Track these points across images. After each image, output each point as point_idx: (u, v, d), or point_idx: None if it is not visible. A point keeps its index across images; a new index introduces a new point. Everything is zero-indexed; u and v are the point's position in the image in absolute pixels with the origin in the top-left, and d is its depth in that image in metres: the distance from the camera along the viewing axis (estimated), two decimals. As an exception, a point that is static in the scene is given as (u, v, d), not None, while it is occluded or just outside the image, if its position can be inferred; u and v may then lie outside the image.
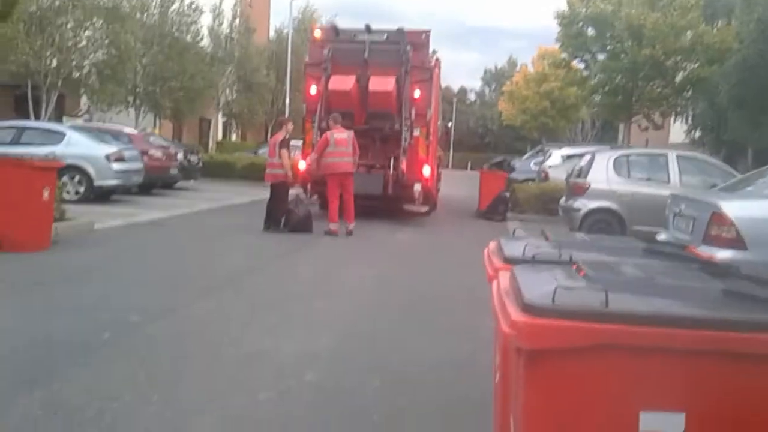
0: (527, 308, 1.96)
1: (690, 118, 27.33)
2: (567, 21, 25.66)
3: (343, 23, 14.75)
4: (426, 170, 13.17)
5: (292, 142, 12.07)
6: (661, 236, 7.38)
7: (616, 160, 11.28)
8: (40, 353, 4.35)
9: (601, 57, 25.80)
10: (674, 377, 1.92)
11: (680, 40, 23.16)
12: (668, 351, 1.90)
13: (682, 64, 24.39)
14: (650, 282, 2.15)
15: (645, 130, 28.07)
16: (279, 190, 10.98)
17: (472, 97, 74.14)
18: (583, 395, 1.95)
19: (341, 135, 10.96)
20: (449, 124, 30.35)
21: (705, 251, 5.47)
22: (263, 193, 11.46)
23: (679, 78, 24.79)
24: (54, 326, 4.97)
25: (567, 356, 1.92)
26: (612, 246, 3.09)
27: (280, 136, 11.12)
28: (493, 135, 65.54)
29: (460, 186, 24.92)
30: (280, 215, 10.82)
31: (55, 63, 22.26)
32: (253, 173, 21.52)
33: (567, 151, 19.38)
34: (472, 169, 46.59)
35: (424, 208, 13.50)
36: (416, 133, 12.99)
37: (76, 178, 13.39)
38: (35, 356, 4.28)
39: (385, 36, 13.33)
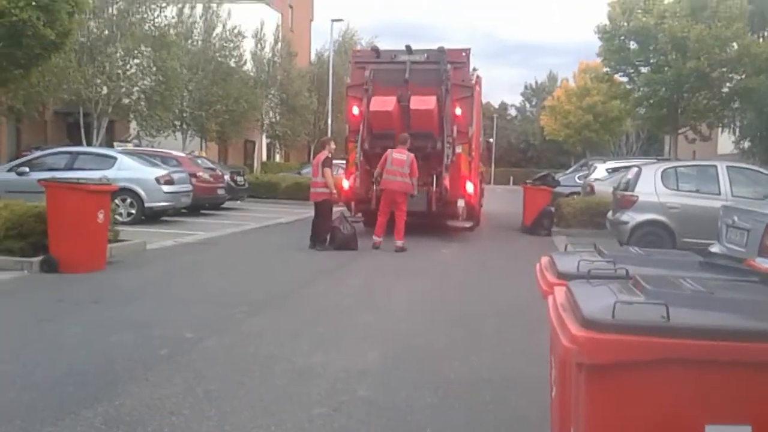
0: (587, 323, 1.98)
1: (738, 129, 26.71)
2: (608, 35, 25.44)
3: (383, 44, 14.92)
4: (469, 186, 13.17)
5: (335, 162, 12.20)
6: (714, 248, 7.24)
7: (664, 172, 11.11)
8: (101, 369, 4.48)
9: (644, 70, 25.49)
10: (739, 390, 1.91)
11: (726, 51, 22.74)
12: (732, 364, 1.89)
13: (729, 75, 23.92)
14: (711, 296, 2.14)
15: (692, 142, 27.55)
16: (323, 209, 11.11)
17: (512, 112, 73.82)
18: (646, 409, 1.94)
19: (400, 156, 11.32)
20: (490, 139, 30.23)
21: (762, 263, 5.34)
22: (308, 212, 11.61)
23: (725, 89, 24.31)
24: (112, 343, 5.12)
25: (629, 370, 1.93)
26: (668, 260, 3.06)
27: (323, 155, 11.26)
28: (535, 150, 65.09)
29: (503, 201, 24.78)
30: (326, 233, 10.93)
31: (105, 90, 23.03)
32: (298, 193, 21.84)
33: (612, 164, 19.12)
34: (514, 184, 46.28)
35: (468, 224, 13.48)
36: (458, 149, 13.01)
37: (128, 200, 13.76)
38: (96, 372, 4.42)
39: (425, 56, 13.43)
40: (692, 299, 2.10)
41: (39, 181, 8.60)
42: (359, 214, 13.18)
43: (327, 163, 11.13)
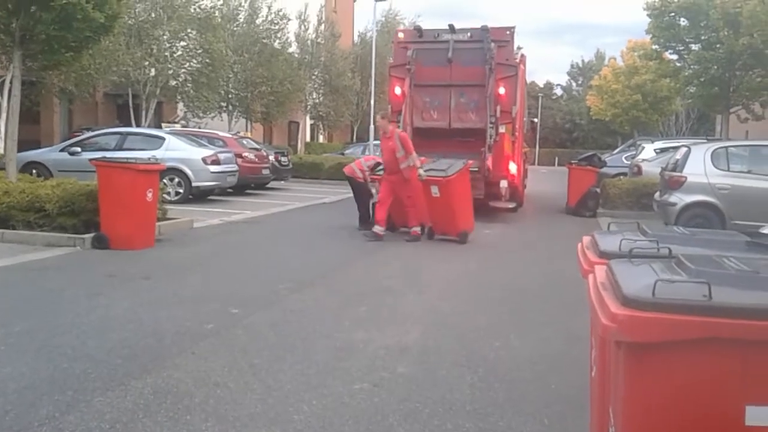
0: (627, 301, 1.97)
1: (794, 108, 25.74)
2: (658, 12, 24.72)
3: (427, 24, 14.82)
4: (512, 167, 13.07)
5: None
6: (765, 230, 7.05)
7: (714, 152, 10.81)
8: (150, 342, 4.64)
9: (695, 47, 24.73)
10: (783, 371, 1.88)
11: (781, 27, 21.89)
12: (776, 344, 1.86)
13: (784, 52, 23.03)
14: (756, 275, 2.10)
15: (744, 121, 26.67)
16: (358, 187, 11.11)
17: (558, 92, 72.54)
18: (685, 388, 1.93)
19: (387, 143, 10.09)
20: (535, 119, 29.82)
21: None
22: (350, 192, 11.65)
23: (781, 66, 23.43)
24: (161, 317, 5.28)
25: (669, 349, 1.92)
26: (713, 239, 3.01)
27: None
28: (582, 130, 63.90)
29: (547, 182, 24.49)
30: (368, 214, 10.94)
31: (153, 72, 23.47)
32: (340, 173, 21.79)
33: (660, 144, 18.68)
34: (559, 164, 45.62)
35: (511, 205, 13.37)
36: (502, 129, 12.90)
37: (176, 180, 14.06)
38: (145, 345, 4.57)
39: (468, 35, 13.29)
40: (736, 278, 2.06)
41: (90, 160, 8.85)
42: None
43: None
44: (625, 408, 2.05)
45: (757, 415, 1.88)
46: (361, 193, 11.15)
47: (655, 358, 1.94)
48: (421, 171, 9.69)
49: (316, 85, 37.51)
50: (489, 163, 12.51)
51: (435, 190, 9.77)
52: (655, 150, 17.65)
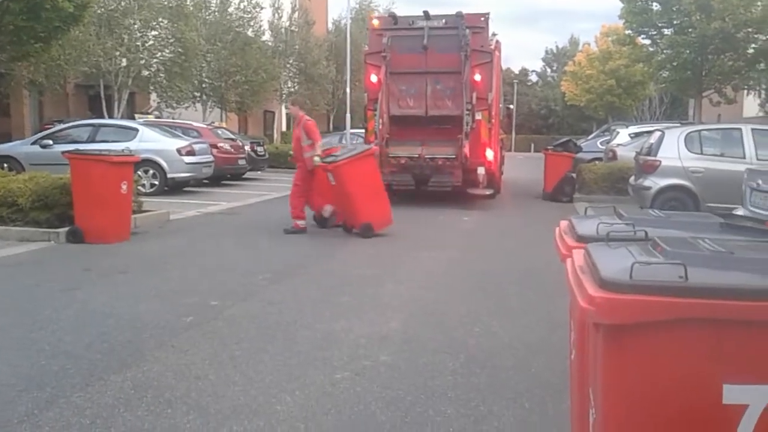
0: (605, 284, 1.98)
1: (764, 91, 26.17)
2: (631, -4, 24.89)
3: (401, 11, 14.77)
4: (489, 153, 13.12)
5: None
6: (738, 212, 7.16)
7: (687, 135, 10.96)
8: (129, 336, 4.60)
9: (667, 32, 24.96)
10: (758, 350, 1.91)
11: (751, 12, 22.17)
12: (751, 324, 1.89)
13: (754, 35, 23.34)
14: (730, 255, 2.13)
15: (717, 105, 27.05)
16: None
17: (533, 78, 72.85)
18: (664, 369, 1.95)
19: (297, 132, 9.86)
20: (511, 106, 29.93)
21: (786, 227, 5.28)
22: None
23: (751, 50, 23.75)
24: (139, 311, 5.24)
25: (646, 331, 1.94)
26: (688, 221, 3.04)
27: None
28: (557, 116, 64.32)
29: (523, 169, 24.64)
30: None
31: (124, 62, 23.14)
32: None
33: (635, 129, 18.87)
34: (535, 151, 45.89)
35: (488, 192, 13.42)
36: (478, 116, 12.93)
37: (150, 172, 13.93)
38: (124, 339, 4.53)
39: (443, 21, 13.28)
40: (711, 259, 2.09)
41: (63, 153, 8.72)
42: None
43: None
44: (605, 389, 2.07)
45: (733, 393, 1.91)
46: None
47: (633, 340, 1.96)
48: (316, 158, 9.38)
49: (291, 74, 37.23)
50: (466, 150, 12.54)
51: (331, 178, 9.27)
52: (629, 135, 17.85)
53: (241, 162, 17.91)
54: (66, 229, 8.25)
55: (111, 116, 22.33)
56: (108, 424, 3.26)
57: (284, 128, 41.51)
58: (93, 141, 13.70)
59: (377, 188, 9.48)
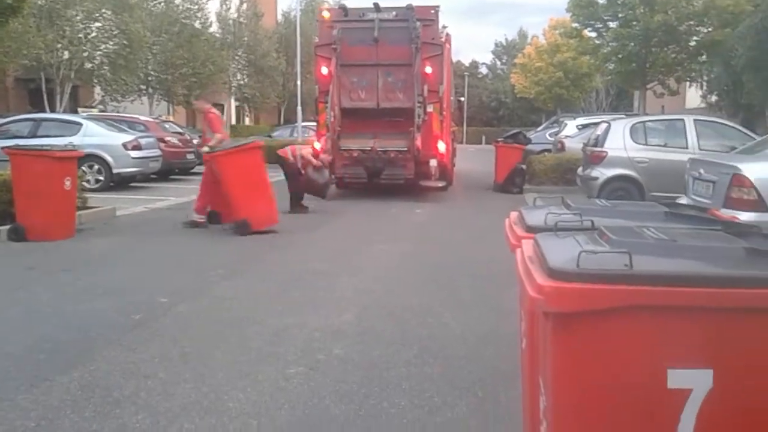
0: (553, 273, 2.01)
1: (705, 83, 27.00)
2: (577, -10, 25.35)
3: (352, 3, 14.69)
4: (441, 146, 13.19)
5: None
6: (681, 201, 7.37)
7: (632, 127, 11.22)
8: (75, 336, 4.47)
9: (613, 25, 25.51)
10: (701, 335, 1.96)
11: (692, 5, 22.83)
12: (694, 310, 1.94)
13: (696, 28, 24.05)
14: (673, 243, 2.18)
15: (660, 96, 27.79)
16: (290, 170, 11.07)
17: (483, 71, 73.51)
18: (610, 356, 1.99)
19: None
20: (462, 98, 30.17)
21: (727, 214, 5.46)
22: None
23: (693, 43, 24.47)
24: (85, 310, 5.10)
25: (593, 318, 1.97)
26: (633, 211, 3.10)
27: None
28: (507, 108, 65.07)
29: (475, 161, 24.86)
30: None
31: (67, 55, 22.46)
32: (268, 156, 21.60)
33: (582, 120, 19.24)
34: (486, 143, 46.37)
35: (441, 184, 13.51)
36: (429, 109, 12.98)
37: (95, 167, 13.57)
38: (70, 339, 4.40)
39: (393, 13, 13.26)
40: (655, 247, 2.13)
41: (2, 148, 8.42)
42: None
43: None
44: (554, 376, 2.10)
45: (677, 378, 1.96)
46: (293, 176, 11.06)
47: (581, 328, 1.99)
48: (205, 147, 9.37)
49: (240, 66, 36.78)
50: (418, 142, 12.58)
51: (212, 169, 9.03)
52: (577, 126, 18.19)
53: (190, 156, 17.58)
54: (7, 227, 7.97)
55: (53, 110, 21.67)
56: (54, 426, 3.17)
57: (234, 121, 40.97)
58: (35, 136, 13.26)
59: (260, 184, 8.95)
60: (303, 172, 10.93)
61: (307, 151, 11.25)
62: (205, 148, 9.29)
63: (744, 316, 1.93)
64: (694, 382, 1.96)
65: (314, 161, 11.03)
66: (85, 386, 3.63)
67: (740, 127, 11.65)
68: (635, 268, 1.95)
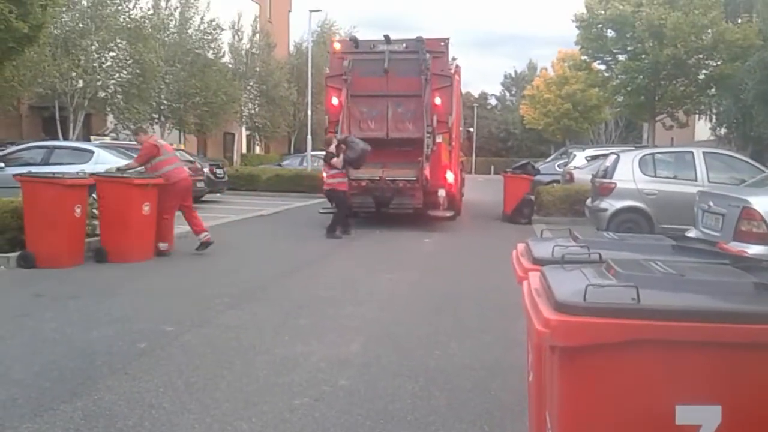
0: (560, 307, 2.00)
1: (714, 116, 27.03)
2: (586, 23, 25.60)
3: (362, 35, 14.88)
4: (449, 176, 13.22)
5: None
6: (690, 233, 7.34)
7: (641, 158, 11.22)
8: (80, 364, 4.46)
9: (622, 58, 25.68)
10: (709, 370, 1.94)
11: (702, 39, 22.97)
12: (702, 345, 1.93)
13: (705, 62, 24.17)
14: (681, 277, 2.17)
15: (670, 128, 27.86)
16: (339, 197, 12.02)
17: (492, 102, 73.98)
18: (618, 390, 1.97)
19: (162, 141, 10.01)
20: (471, 129, 30.33)
21: (736, 247, 5.43)
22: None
23: (702, 76, 24.57)
24: (92, 338, 5.09)
25: (601, 352, 1.96)
26: (641, 244, 3.10)
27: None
28: (516, 139, 65.35)
29: (483, 191, 24.88)
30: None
31: (81, 84, 22.73)
32: (278, 185, 21.84)
33: (591, 152, 19.22)
34: (495, 173, 46.45)
35: (449, 213, 13.51)
36: (438, 139, 13.04)
37: (106, 194, 13.61)
38: (75, 367, 4.39)
39: (404, 45, 13.42)
40: (663, 281, 2.12)
41: (15, 176, 8.49)
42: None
43: (327, 157, 12.04)
44: (561, 411, 2.08)
45: (686, 414, 1.94)
46: (342, 201, 11.93)
47: (588, 362, 1.97)
48: (108, 167, 9.57)
49: (251, 96, 37.14)
50: (427, 172, 12.62)
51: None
52: (585, 158, 18.17)
53: (200, 184, 17.65)
54: (17, 253, 8.02)
55: (66, 138, 21.88)
56: (56, 456, 3.15)
57: (245, 150, 41.28)
58: (47, 163, 13.36)
59: (133, 220, 8.72)
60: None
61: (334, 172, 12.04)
62: (109, 167, 9.38)
63: (752, 351, 1.91)
64: (703, 418, 1.94)
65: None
66: (88, 415, 3.61)
67: (750, 160, 11.62)
68: (642, 302, 1.94)
